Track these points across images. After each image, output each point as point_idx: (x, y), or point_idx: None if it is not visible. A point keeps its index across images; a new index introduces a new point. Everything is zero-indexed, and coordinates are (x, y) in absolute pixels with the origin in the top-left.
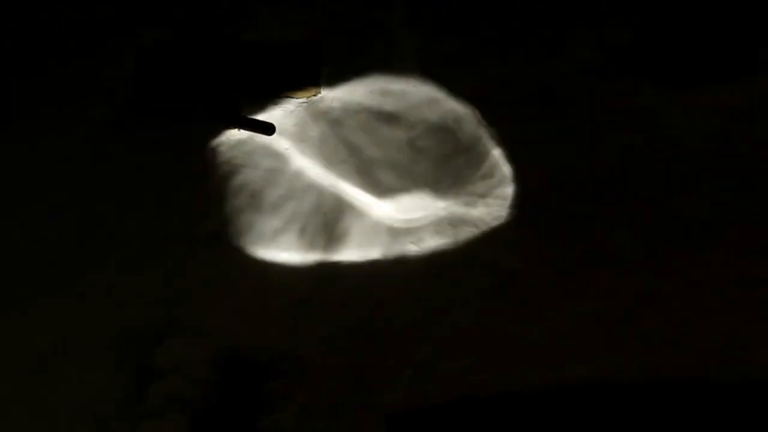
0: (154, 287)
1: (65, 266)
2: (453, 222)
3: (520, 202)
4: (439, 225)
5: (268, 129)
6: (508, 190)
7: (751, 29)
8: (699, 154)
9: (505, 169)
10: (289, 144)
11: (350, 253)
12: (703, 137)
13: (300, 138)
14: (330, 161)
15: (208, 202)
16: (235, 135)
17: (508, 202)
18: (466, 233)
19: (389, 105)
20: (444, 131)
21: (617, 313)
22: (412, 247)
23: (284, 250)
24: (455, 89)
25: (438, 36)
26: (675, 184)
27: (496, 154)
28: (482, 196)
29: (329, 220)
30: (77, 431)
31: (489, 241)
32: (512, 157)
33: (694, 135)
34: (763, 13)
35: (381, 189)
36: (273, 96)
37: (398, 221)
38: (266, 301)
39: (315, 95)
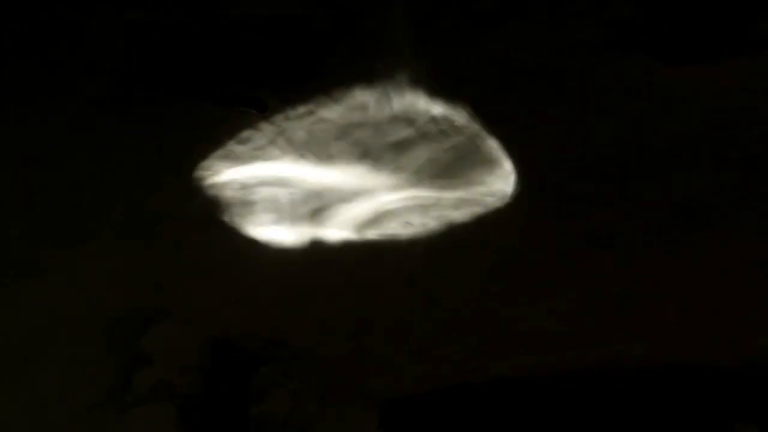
0: (142, 271)
1: (52, 250)
2: (450, 204)
3: (519, 183)
4: (436, 207)
5: (259, 106)
6: (507, 171)
7: (755, 4)
8: (702, 133)
9: (504, 149)
10: (281, 125)
11: (344, 237)
12: (706, 115)
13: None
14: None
15: (198, 184)
16: (226, 113)
17: (506, 183)
18: (464, 215)
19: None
20: (442, 113)
21: (618, 296)
22: (408, 230)
23: (276, 235)
24: (452, 67)
25: (433, 12)
26: (677, 163)
27: (495, 134)
28: (481, 176)
29: (323, 204)
30: (65, 417)
31: (487, 222)
32: (511, 137)
33: (697, 113)
34: None
35: (378, 169)
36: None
37: (394, 202)
38: (258, 287)
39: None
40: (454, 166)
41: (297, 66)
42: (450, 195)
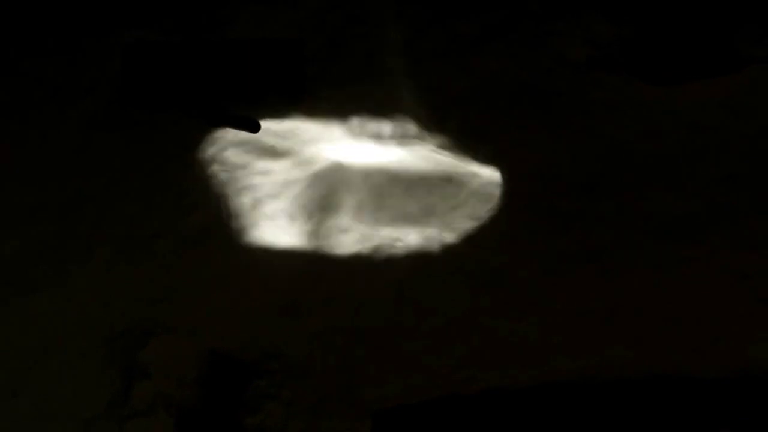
0: (140, 286)
1: (49, 266)
2: (439, 219)
3: (505, 199)
4: (424, 222)
5: (253, 126)
6: (494, 187)
7: (735, 24)
8: (685, 150)
9: (490, 165)
10: (275, 141)
11: (336, 250)
12: (688, 132)
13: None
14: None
15: (194, 201)
16: (220, 133)
17: (493, 199)
18: (452, 230)
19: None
20: (431, 131)
21: (605, 309)
22: (399, 244)
23: (270, 248)
24: (439, 87)
25: (422, 31)
26: (661, 179)
27: (482, 151)
28: (467, 192)
29: (316, 217)
30: (63, 431)
31: (475, 237)
32: (497, 153)
33: (679, 130)
34: (747, 8)
35: (368, 189)
36: (254, 98)
37: (384, 218)
38: (252, 300)
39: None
40: (442, 183)
41: (290, 87)
42: (439, 211)
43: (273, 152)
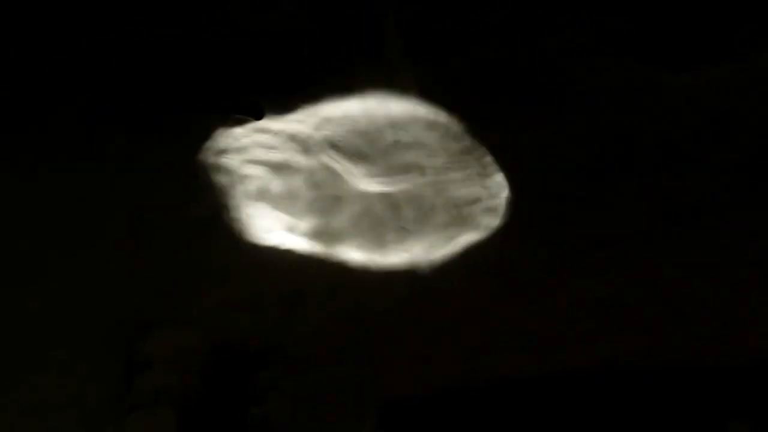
0: (141, 278)
1: (52, 257)
2: (446, 206)
3: (513, 186)
4: (431, 210)
5: (258, 113)
6: (501, 174)
7: (746, 9)
8: (694, 136)
9: (497, 153)
10: (277, 134)
11: (342, 241)
12: (699, 118)
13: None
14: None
15: (196, 192)
16: (224, 121)
17: (501, 186)
18: (458, 219)
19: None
20: (436, 120)
21: (613, 297)
22: (403, 234)
23: (275, 240)
24: (445, 75)
25: (423, 20)
26: (670, 166)
27: (488, 138)
28: (475, 180)
29: (321, 207)
30: (65, 423)
31: (481, 226)
32: (504, 141)
33: (689, 116)
34: None
35: (374, 176)
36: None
37: (389, 206)
38: (256, 291)
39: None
40: (449, 170)
41: (291, 77)
42: (444, 200)
43: (275, 144)
